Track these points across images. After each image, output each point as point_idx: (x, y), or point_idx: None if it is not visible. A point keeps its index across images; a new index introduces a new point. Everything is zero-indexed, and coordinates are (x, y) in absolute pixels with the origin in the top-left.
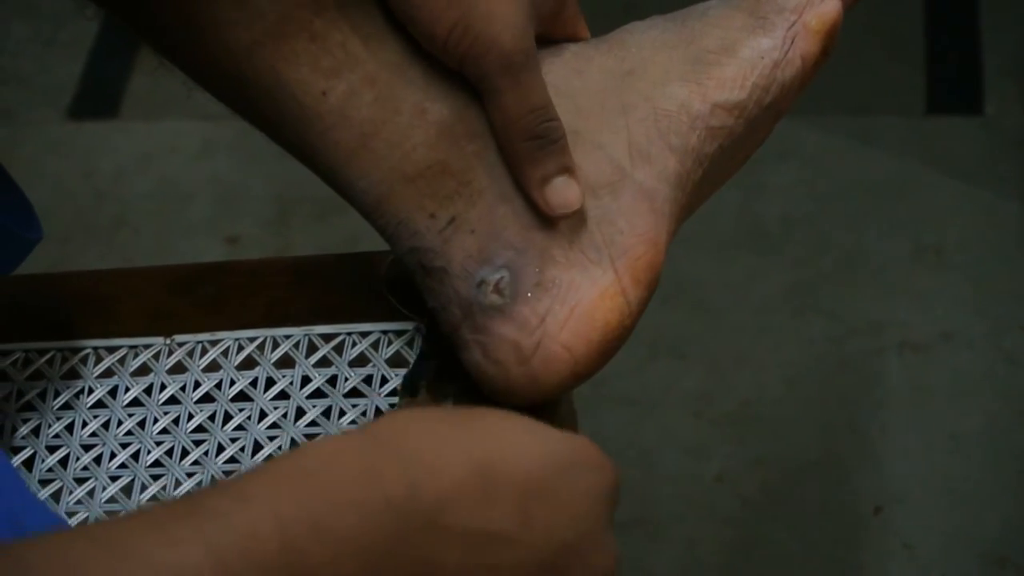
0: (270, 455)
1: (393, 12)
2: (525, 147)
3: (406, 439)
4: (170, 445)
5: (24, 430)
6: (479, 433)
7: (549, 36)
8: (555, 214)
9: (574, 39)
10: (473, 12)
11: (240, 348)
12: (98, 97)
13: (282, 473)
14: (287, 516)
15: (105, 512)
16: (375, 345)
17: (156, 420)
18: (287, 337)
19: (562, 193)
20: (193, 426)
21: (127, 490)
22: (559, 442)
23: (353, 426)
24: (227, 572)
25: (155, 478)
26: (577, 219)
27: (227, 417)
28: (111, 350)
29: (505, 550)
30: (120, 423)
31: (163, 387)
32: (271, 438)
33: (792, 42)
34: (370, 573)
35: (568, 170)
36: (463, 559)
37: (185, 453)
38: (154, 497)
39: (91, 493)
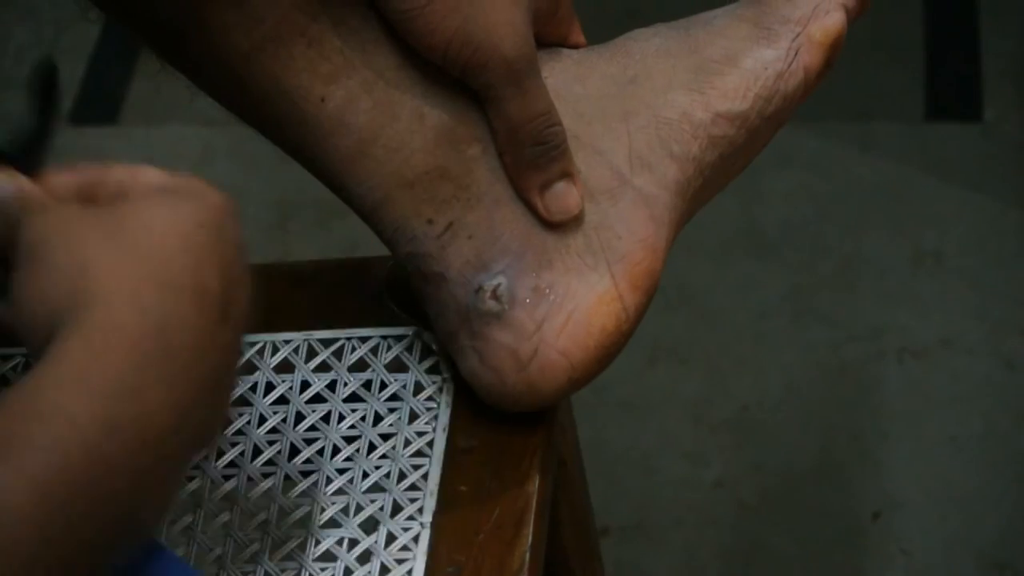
0: (270, 460)
1: (391, 24)
2: (528, 153)
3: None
4: None
5: None
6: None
7: (543, 38)
8: (555, 219)
9: (567, 41)
10: (472, 22)
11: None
12: (99, 103)
13: (52, 394)
14: (82, 423)
15: None
16: (374, 350)
17: None
18: (287, 342)
19: (562, 198)
20: None
21: None
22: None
23: (352, 431)
24: (47, 497)
25: None
26: (575, 224)
27: None
28: None
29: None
30: None
31: None
32: (270, 442)
33: (796, 54)
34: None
35: (569, 175)
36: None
37: None
38: None
39: None
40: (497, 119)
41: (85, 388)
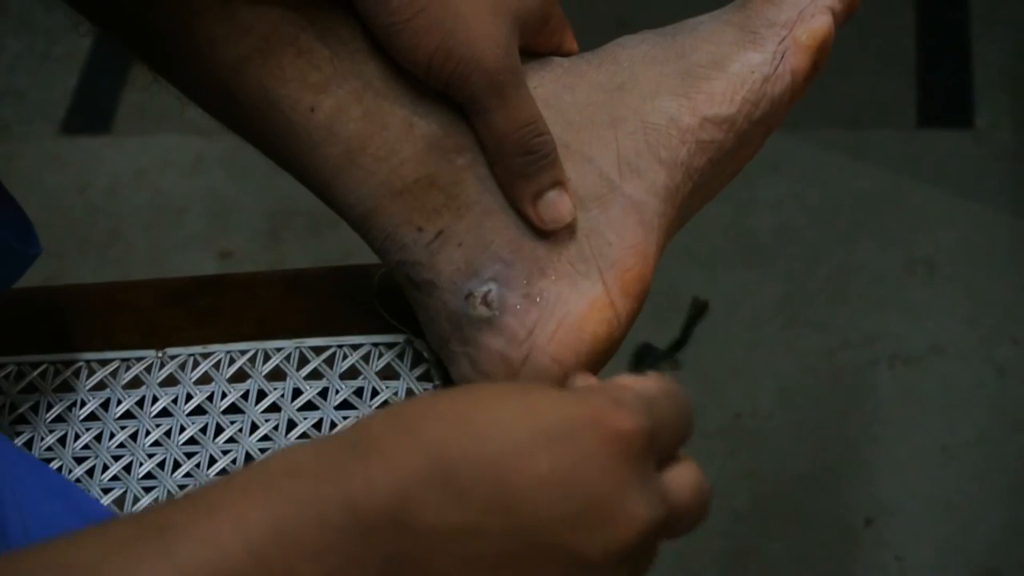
0: None
1: (376, 39)
2: (517, 163)
3: (367, 434)
4: (162, 457)
5: (17, 443)
6: (447, 417)
7: (536, 49)
8: (548, 228)
9: (560, 50)
10: (453, 35)
11: (232, 361)
12: (92, 112)
13: (244, 480)
14: (250, 523)
15: None
16: (366, 358)
17: (148, 433)
18: (278, 350)
19: (555, 207)
20: (185, 438)
21: (120, 502)
22: (545, 414)
23: None
24: None
25: (147, 490)
26: (566, 232)
27: (219, 430)
28: (104, 363)
29: (478, 541)
30: (112, 436)
31: (155, 400)
32: (262, 450)
33: (782, 57)
34: (336, 574)
35: (560, 183)
36: (433, 555)
37: (177, 465)
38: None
39: None
40: (483, 131)
41: (266, 499)
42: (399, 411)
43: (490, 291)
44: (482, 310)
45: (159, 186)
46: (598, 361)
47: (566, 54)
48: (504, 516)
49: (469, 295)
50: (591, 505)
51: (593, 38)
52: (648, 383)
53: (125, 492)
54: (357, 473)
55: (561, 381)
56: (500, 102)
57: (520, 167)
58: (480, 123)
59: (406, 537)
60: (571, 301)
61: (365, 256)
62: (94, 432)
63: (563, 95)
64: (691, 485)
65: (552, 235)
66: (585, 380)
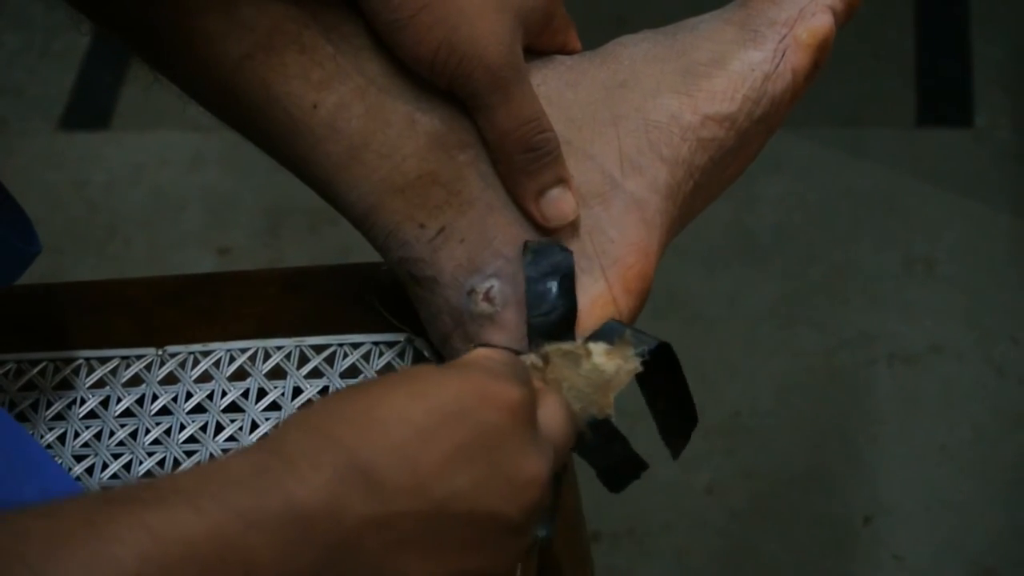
0: None
1: (379, 36)
2: (520, 160)
3: (287, 440)
4: (162, 456)
5: None
6: (351, 416)
7: (540, 47)
8: (551, 225)
9: (565, 49)
10: (457, 32)
11: (232, 359)
12: (90, 108)
13: (189, 490)
14: (198, 539)
15: None
16: (366, 356)
17: (148, 431)
18: (279, 348)
19: (558, 204)
20: (185, 437)
21: None
22: (435, 394)
23: None
24: (164, 557)
25: None
26: (568, 228)
27: (219, 428)
28: (103, 361)
29: (402, 524)
30: (112, 434)
31: (155, 398)
32: None
33: (783, 55)
34: (284, 564)
35: (563, 181)
36: (365, 541)
37: (177, 464)
38: None
39: None
40: (486, 128)
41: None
42: (310, 416)
43: (492, 287)
44: (484, 306)
45: (157, 183)
46: None
47: (570, 53)
48: (420, 497)
49: (471, 291)
50: (498, 470)
51: (594, 36)
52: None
53: None
54: (290, 476)
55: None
56: (503, 99)
57: (523, 164)
58: (483, 120)
59: (340, 528)
60: None
61: (364, 253)
62: (94, 430)
63: (565, 92)
64: (561, 421)
65: (554, 232)
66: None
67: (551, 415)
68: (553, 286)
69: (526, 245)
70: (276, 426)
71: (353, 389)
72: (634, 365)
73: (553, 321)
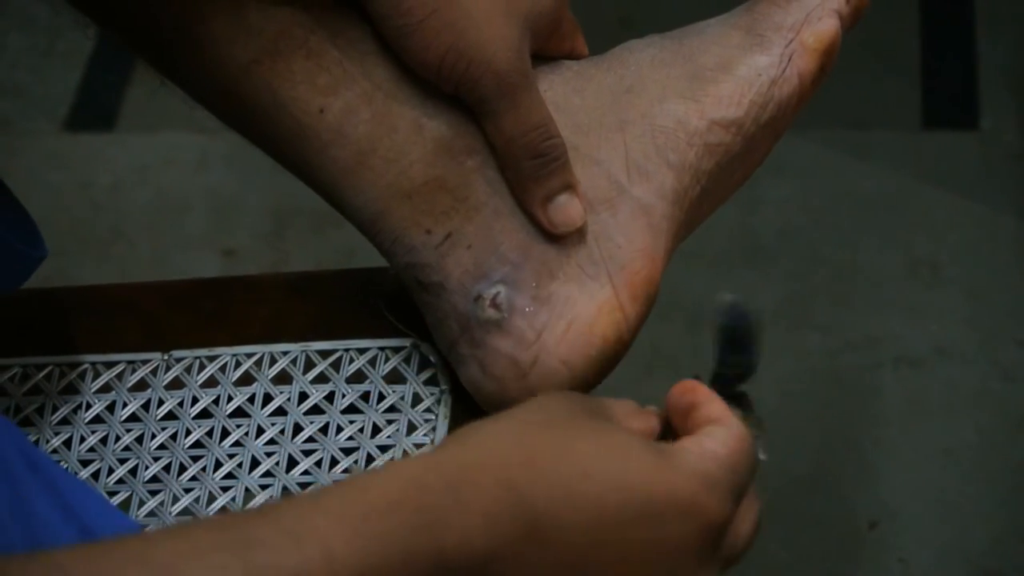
0: (267, 471)
1: (386, 41)
2: (527, 166)
3: (467, 484)
4: (168, 461)
5: None
6: (548, 476)
7: (548, 53)
8: (559, 231)
9: (572, 54)
10: (464, 38)
11: (238, 364)
12: (95, 109)
13: (337, 506)
14: (337, 559)
15: None
16: (372, 362)
17: (154, 436)
18: (285, 353)
19: (565, 210)
20: (191, 442)
21: (125, 506)
22: (642, 490)
23: (350, 443)
24: None
25: (153, 494)
26: (575, 234)
27: (225, 433)
28: (109, 365)
29: None
30: (118, 439)
31: (161, 403)
32: (268, 454)
33: (789, 60)
34: None
35: (571, 187)
36: None
37: (183, 469)
38: (152, 514)
39: None
40: (493, 133)
41: (358, 538)
42: (501, 457)
43: (499, 293)
44: (491, 312)
45: (162, 184)
46: (607, 364)
47: (577, 59)
48: None
49: (478, 297)
50: None
51: (598, 39)
52: (734, 442)
53: (131, 495)
54: (454, 526)
55: (570, 385)
56: (510, 104)
57: (530, 170)
58: (490, 125)
59: None
60: (580, 304)
61: (369, 256)
62: (100, 435)
63: (572, 98)
64: (749, 532)
65: (561, 238)
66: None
67: (746, 526)
68: (751, 346)
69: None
70: (465, 445)
71: (557, 438)
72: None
73: (737, 376)
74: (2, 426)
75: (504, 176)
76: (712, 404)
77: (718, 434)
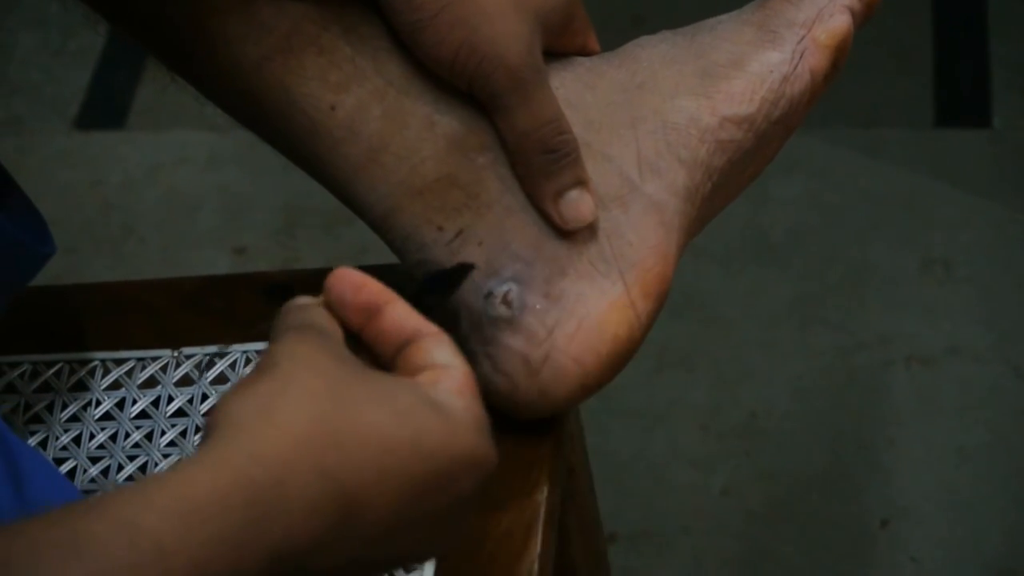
0: None
1: (399, 36)
2: (539, 161)
3: (291, 476)
4: (178, 458)
5: (32, 442)
6: (355, 456)
7: (559, 49)
8: (569, 227)
9: (584, 51)
10: (477, 33)
11: (248, 361)
12: (106, 107)
13: (167, 506)
14: (170, 555)
15: None
16: None
17: (164, 432)
18: None
19: (576, 206)
20: (200, 439)
21: None
22: (436, 453)
23: None
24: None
25: None
26: (587, 231)
27: None
28: (119, 362)
29: (356, 571)
30: (127, 435)
31: (171, 399)
32: None
33: (801, 56)
34: None
35: (582, 183)
36: None
37: None
38: None
39: None
40: (504, 129)
41: (188, 533)
42: (311, 441)
43: (510, 290)
44: (502, 309)
45: (173, 182)
46: (618, 361)
47: (588, 55)
48: (386, 546)
49: (489, 294)
50: (452, 526)
51: (610, 36)
52: (471, 378)
53: None
54: (281, 520)
55: (581, 382)
56: (522, 99)
57: (541, 166)
58: (501, 121)
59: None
60: (591, 301)
61: (380, 253)
62: (109, 432)
63: (584, 94)
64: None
65: (573, 235)
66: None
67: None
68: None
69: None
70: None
71: (352, 412)
72: None
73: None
74: None
75: (515, 172)
76: (393, 306)
77: (456, 365)
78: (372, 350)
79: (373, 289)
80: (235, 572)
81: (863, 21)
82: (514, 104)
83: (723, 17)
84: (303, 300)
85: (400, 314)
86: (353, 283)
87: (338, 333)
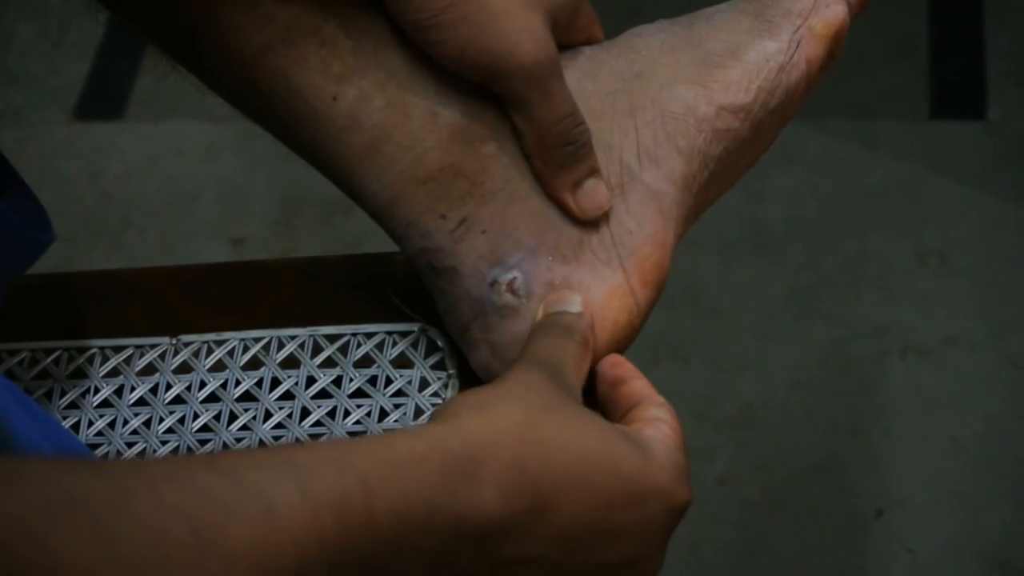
0: None
1: (407, 35)
2: (558, 154)
3: (488, 457)
4: (175, 445)
5: None
6: (555, 461)
7: (566, 42)
8: (588, 217)
9: (589, 43)
10: (484, 30)
11: (246, 348)
12: (105, 98)
13: (371, 454)
14: (375, 494)
15: None
16: (380, 346)
17: (162, 420)
18: (292, 338)
19: (593, 195)
20: (199, 426)
21: None
22: (630, 477)
23: (358, 427)
24: (316, 518)
25: None
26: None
27: (232, 417)
28: (117, 350)
29: (543, 568)
30: (126, 423)
31: (169, 387)
32: (276, 438)
33: (797, 46)
34: (418, 570)
35: (596, 172)
36: (502, 571)
37: (191, 453)
38: None
39: None
40: (525, 124)
41: (392, 470)
42: (515, 436)
43: (516, 278)
44: (508, 297)
45: (171, 173)
46: (617, 349)
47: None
48: (570, 555)
49: (494, 282)
50: (640, 555)
51: (606, 25)
52: (679, 428)
53: None
54: (470, 494)
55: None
56: (542, 95)
57: (560, 158)
58: (520, 116)
59: (489, 557)
60: (592, 289)
61: (378, 243)
62: (108, 419)
63: (585, 83)
64: None
65: (575, 223)
66: (644, 407)
67: None
68: None
69: None
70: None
71: (562, 425)
72: None
73: None
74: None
75: (532, 164)
76: (638, 380)
77: (668, 421)
78: (609, 413)
79: (627, 367)
80: (423, 533)
81: (859, 12)
82: (534, 100)
83: (721, 6)
84: (568, 314)
85: (640, 385)
86: (612, 360)
87: (579, 379)
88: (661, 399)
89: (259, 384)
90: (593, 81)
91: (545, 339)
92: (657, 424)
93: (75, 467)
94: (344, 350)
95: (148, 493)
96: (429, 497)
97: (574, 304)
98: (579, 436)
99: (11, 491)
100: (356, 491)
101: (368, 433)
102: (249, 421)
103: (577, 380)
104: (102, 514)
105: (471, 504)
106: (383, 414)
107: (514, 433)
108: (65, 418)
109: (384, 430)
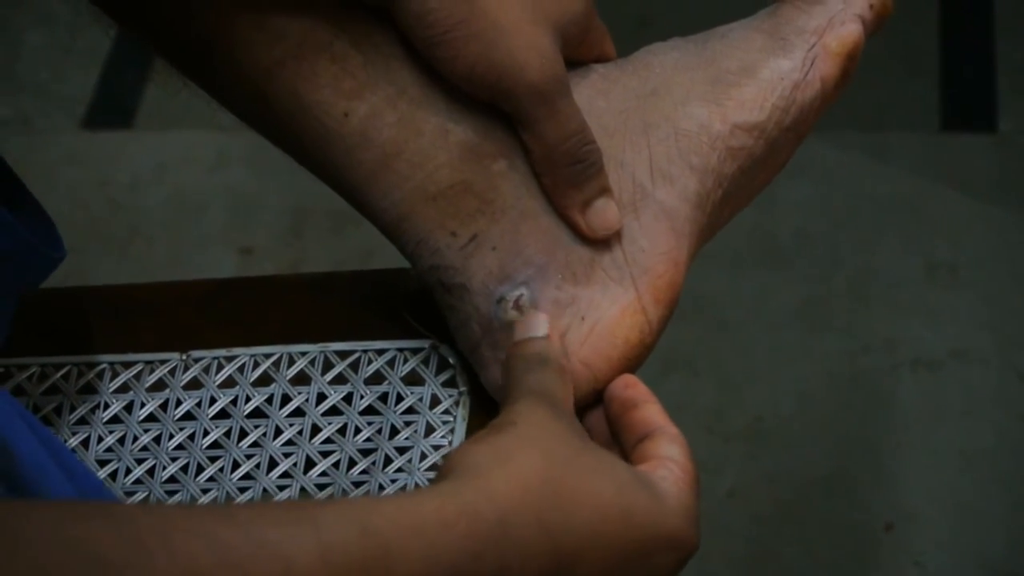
0: (285, 472)
1: (417, 51)
2: (566, 172)
3: (514, 521)
4: (185, 461)
5: None
6: (574, 518)
7: (578, 59)
8: (598, 236)
9: (600, 60)
10: (494, 48)
11: (256, 364)
12: (113, 107)
13: (396, 517)
14: (396, 558)
15: None
16: (391, 363)
17: (172, 436)
18: (303, 354)
19: (603, 215)
20: (208, 442)
21: None
22: (645, 527)
23: (368, 444)
24: (332, 563)
25: (170, 494)
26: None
27: (243, 434)
28: (127, 365)
29: None
30: (136, 439)
31: (179, 403)
32: (286, 455)
33: (812, 64)
34: None
35: (607, 191)
36: None
37: (200, 469)
38: None
39: None
40: (532, 142)
41: (417, 534)
42: (537, 494)
43: (522, 295)
44: (513, 314)
45: (180, 182)
46: (628, 367)
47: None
48: None
49: (501, 299)
50: None
51: (615, 37)
52: (692, 467)
53: (148, 496)
54: (496, 559)
55: (592, 387)
56: (549, 113)
57: (569, 176)
58: (528, 134)
59: None
60: (603, 307)
61: (387, 256)
62: (117, 435)
63: (597, 101)
64: None
65: (586, 241)
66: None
67: None
68: None
69: None
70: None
71: (579, 478)
72: None
73: None
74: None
75: (541, 182)
76: (651, 405)
77: (679, 461)
78: (619, 435)
79: (640, 389)
80: None
81: (874, 30)
82: (541, 117)
83: (734, 24)
84: (536, 340)
85: (653, 411)
86: (625, 381)
87: (570, 403)
88: (674, 430)
89: (269, 400)
90: (606, 99)
91: (528, 375)
92: (669, 465)
93: (86, 515)
94: (355, 367)
95: (162, 548)
96: (454, 562)
97: (540, 327)
98: (596, 488)
99: (17, 548)
100: (378, 556)
101: (379, 451)
102: (259, 438)
103: (570, 407)
104: (113, 573)
105: (497, 567)
106: (394, 431)
107: (536, 488)
108: (74, 434)
109: (395, 448)
